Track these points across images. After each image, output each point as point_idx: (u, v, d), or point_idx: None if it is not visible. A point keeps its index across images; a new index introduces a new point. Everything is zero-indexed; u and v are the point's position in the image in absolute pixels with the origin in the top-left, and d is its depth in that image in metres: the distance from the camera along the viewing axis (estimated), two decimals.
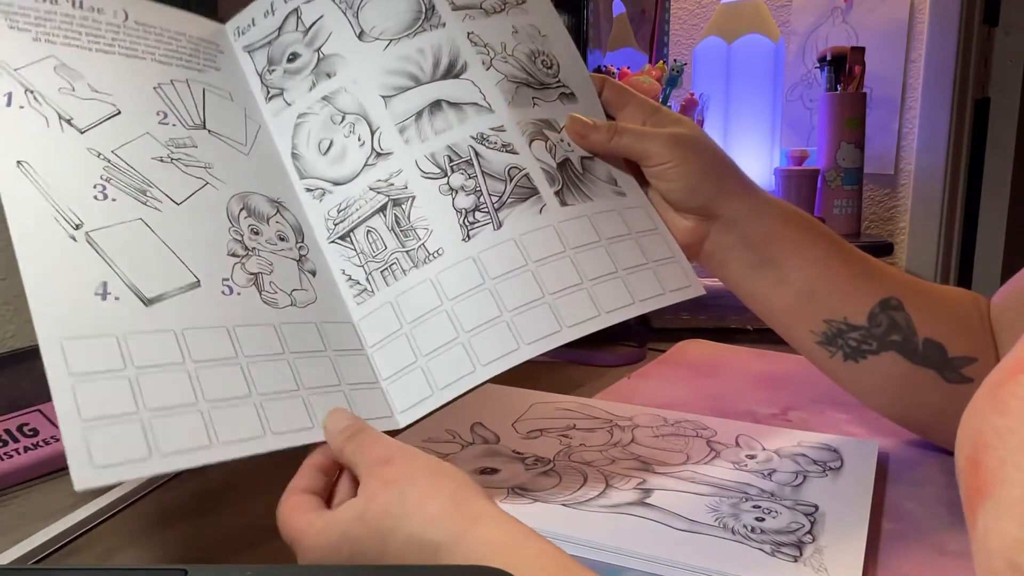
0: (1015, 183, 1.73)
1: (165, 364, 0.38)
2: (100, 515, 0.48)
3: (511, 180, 0.48)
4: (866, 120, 1.46)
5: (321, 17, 0.52)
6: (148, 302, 0.40)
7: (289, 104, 0.51)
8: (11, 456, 0.53)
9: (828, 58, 1.45)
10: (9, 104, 0.41)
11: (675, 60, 1.29)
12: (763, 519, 0.44)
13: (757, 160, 1.54)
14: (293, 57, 0.52)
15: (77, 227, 0.39)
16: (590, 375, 0.76)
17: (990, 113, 1.72)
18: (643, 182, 0.53)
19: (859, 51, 1.44)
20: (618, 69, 1.31)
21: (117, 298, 0.39)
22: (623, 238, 0.50)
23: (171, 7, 0.51)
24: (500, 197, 0.48)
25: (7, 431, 0.55)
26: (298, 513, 0.38)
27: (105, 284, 0.39)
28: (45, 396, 0.58)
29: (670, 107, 1.34)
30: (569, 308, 0.45)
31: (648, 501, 0.47)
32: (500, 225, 0.47)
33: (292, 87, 0.52)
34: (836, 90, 1.44)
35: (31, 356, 0.64)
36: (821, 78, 1.48)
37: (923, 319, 0.51)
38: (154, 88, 0.47)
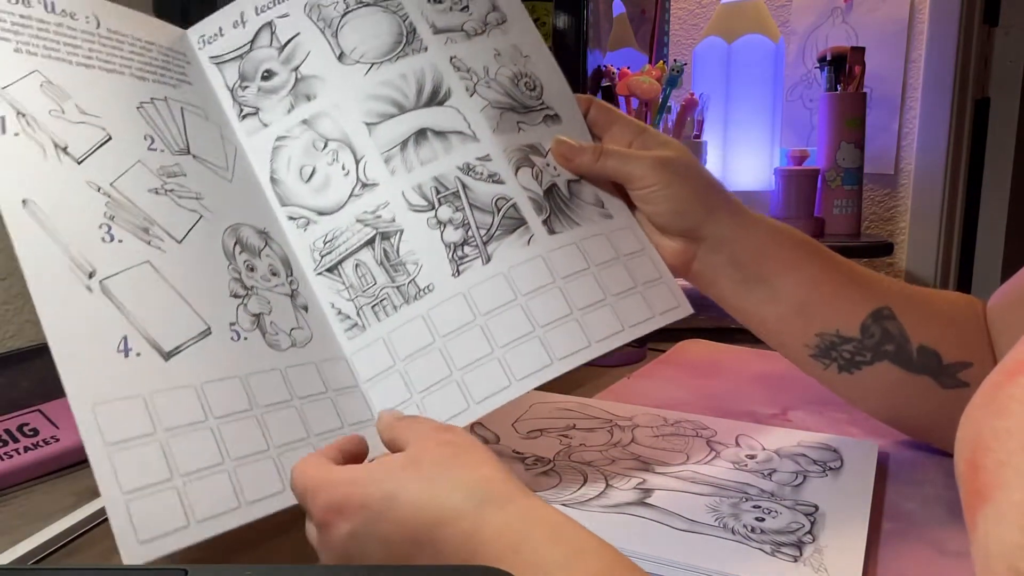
0: (1015, 183, 1.73)
1: (191, 423, 0.39)
2: (100, 515, 0.48)
3: (499, 211, 0.48)
4: (866, 120, 1.46)
5: (298, 34, 0.51)
6: (167, 356, 0.40)
7: (266, 125, 0.50)
8: (11, 456, 0.53)
9: (828, 58, 1.45)
10: (4, 131, 0.39)
11: (675, 60, 1.29)
12: (763, 519, 0.44)
13: (757, 160, 1.54)
14: (268, 75, 0.50)
15: (91, 275, 0.39)
16: (590, 375, 0.76)
17: (990, 113, 1.73)
18: (630, 203, 0.53)
19: (859, 51, 1.44)
20: (618, 69, 1.31)
21: (139, 354, 0.39)
22: (611, 262, 0.49)
23: (135, 11, 0.50)
24: (488, 230, 0.47)
25: (7, 431, 0.55)
26: (319, 467, 0.38)
27: (125, 339, 0.39)
28: (45, 396, 0.58)
29: (670, 107, 1.34)
30: (559, 340, 0.45)
31: (648, 501, 0.47)
32: (489, 259, 0.47)
33: (268, 107, 0.50)
34: (836, 90, 1.44)
35: (31, 356, 0.64)
36: (821, 78, 1.48)
37: (916, 327, 0.51)
38: (137, 108, 0.46)
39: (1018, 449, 0.24)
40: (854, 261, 0.54)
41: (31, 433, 0.55)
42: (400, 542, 0.34)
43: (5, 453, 0.53)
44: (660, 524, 0.44)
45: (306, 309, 0.47)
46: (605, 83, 1.28)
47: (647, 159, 0.50)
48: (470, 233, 0.47)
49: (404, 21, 0.51)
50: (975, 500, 0.25)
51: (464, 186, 0.48)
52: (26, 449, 0.54)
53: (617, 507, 0.46)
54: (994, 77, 1.73)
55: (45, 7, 0.44)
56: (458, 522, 0.33)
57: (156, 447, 0.37)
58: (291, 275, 0.47)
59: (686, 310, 0.51)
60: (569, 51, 1.22)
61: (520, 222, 0.48)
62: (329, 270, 0.48)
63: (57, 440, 0.56)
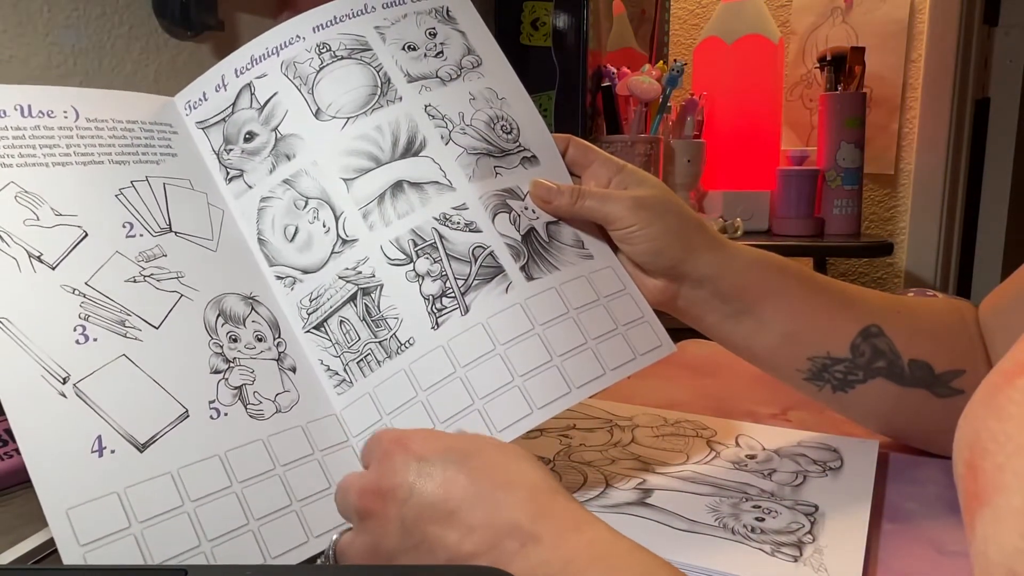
0: (1015, 183, 1.73)
1: (167, 512, 0.39)
2: None
3: (476, 261, 0.48)
4: (866, 120, 1.46)
5: (276, 94, 0.51)
6: (143, 447, 0.40)
7: (250, 187, 0.50)
8: (11, 456, 0.53)
9: (828, 58, 1.45)
10: None
11: (675, 60, 1.29)
12: (763, 519, 0.44)
13: (757, 160, 1.54)
14: (250, 136, 0.50)
15: (64, 380, 0.39)
16: None
17: (990, 113, 1.73)
18: (611, 242, 0.53)
19: (859, 51, 1.44)
20: (618, 69, 1.31)
21: (113, 451, 0.39)
22: (592, 305, 0.49)
23: (119, 91, 0.50)
24: (466, 280, 0.47)
25: (7, 431, 0.55)
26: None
27: (100, 438, 0.39)
28: None
29: (670, 108, 1.34)
30: (540, 388, 0.45)
31: (648, 501, 0.47)
32: (467, 310, 0.46)
33: (251, 169, 0.50)
34: (836, 90, 1.44)
35: None
36: (821, 78, 1.48)
37: (905, 341, 0.51)
38: (115, 196, 0.46)
39: (1016, 452, 0.24)
40: (853, 261, 0.54)
41: None
42: (464, 483, 0.34)
43: (5, 453, 0.53)
44: (660, 524, 0.44)
45: (294, 370, 0.47)
46: (605, 83, 1.28)
47: (625, 199, 0.50)
48: (448, 284, 0.47)
49: (378, 72, 0.51)
50: (973, 503, 0.25)
51: (441, 237, 0.48)
52: None
53: (617, 507, 0.46)
54: (994, 77, 1.73)
55: (21, 113, 0.45)
56: (532, 491, 0.34)
57: (131, 540, 0.37)
58: (279, 337, 0.47)
59: (668, 349, 0.51)
60: (569, 51, 1.22)
61: (498, 270, 0.48)
62: (316, 328, 0.48)
63: None
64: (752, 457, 0.54)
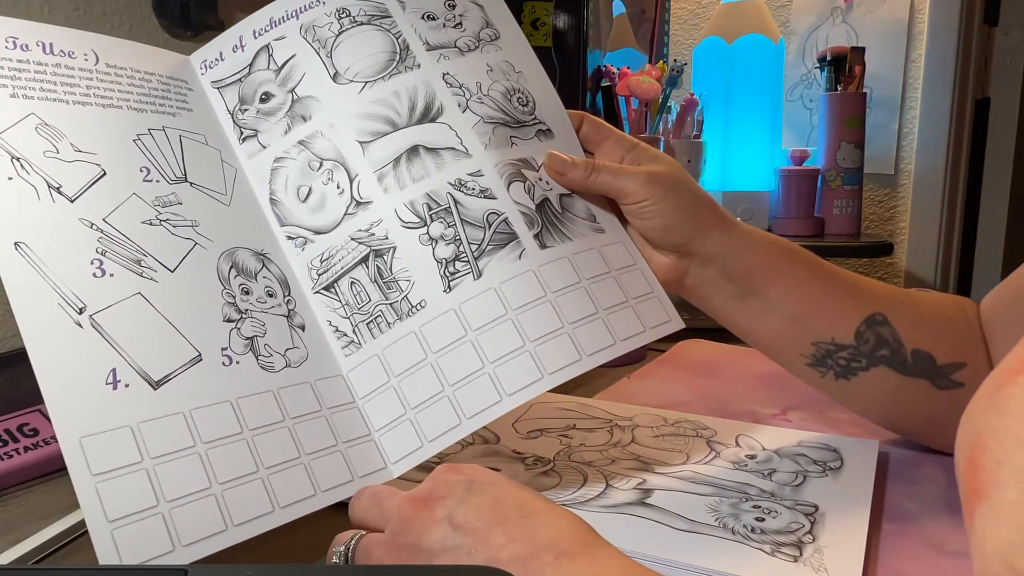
0: (1015, 183, 1.73)
1: (178, 451, 0.39)
2: None
3: (490, 227, 0.48)
4: (866, 120, 1.46)
5: (294, 56, 0.51)
6: (156, 385, 0.40)
7: (264, 147, 0.51)
8: (11, 456, 0.53)
9: (828, 58, 1.45)
10: None
11: (675, 60, 1.29)
12: (763, 519, 0.44)
13: (757, 160, 1.54)
14: (266, 97, 0.51)
15: (81, 311, 0.40)
16: (590, 375, 0.76)
17: (990, 113, 1.72)
18: (622, 218, 0.53)
19: (859, 51, 1.44)
20: (618, 69, 1.31)
21: (127, 385, 0.39)
22: (603, 277, 0.50)
23: (135, 42, 0.50)
24: (479, 245, 0.47)
25: (7, 431, 0.55)
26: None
27: (114, 371, 0.39)
28: None
29: (670, 107, 1.34)
30: (551, 354, 0.45)
31: (648, 501, 0.47)
32: (480, 274, 0.47)
33: (266, 129, 0.51)
34: (836, 90, 1.44)
35: None
36: (821, 78, 1.48)
37: (909, 331, 0.52)
38: (133, 140, 0.46)
39: (1014, 447, 0.24)
40: (853, 261, 0.55)
41: (31, 433, 0.55)
42: (512, 504, 0.36)
43: (5, 453, 0.53)
44: (660, 524, 0.44)
45: (303, 328, 0.47)
46: (605, 83, 1.28)
47: (639, 174, 0.51)
48: (461, 249, 0.47)
49: (398, 39, 0.51)
50: (973, 499, 0.25)
51: (456, 202, 0.48)
52: (26, 449, 0.54)
53: (617, 507, 0.46)
54: (994, 77, 1.73)
55: (43, 49, 0.45)
56: (567, 521, 0.36)
57: (143, 476, 0.38)
58: (288, 295, 0.48)
59: (677, 324, 0.51)
60: (569, 51, 1.22)
61: (511, 237, 0.48)
62: (326, 288, 0.48)
63: (57, 440, 0.55)
64: (752, 457, 0.54)
